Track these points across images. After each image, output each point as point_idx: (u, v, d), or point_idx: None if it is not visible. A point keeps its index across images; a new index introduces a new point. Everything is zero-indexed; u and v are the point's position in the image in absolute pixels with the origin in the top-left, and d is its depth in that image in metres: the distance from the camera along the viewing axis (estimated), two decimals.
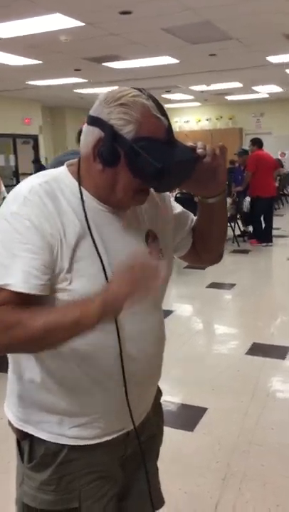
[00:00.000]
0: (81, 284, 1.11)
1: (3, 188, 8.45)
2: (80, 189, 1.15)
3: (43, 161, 13.83)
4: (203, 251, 1.41)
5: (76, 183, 1.17)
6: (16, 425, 1.27)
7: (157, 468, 1.47)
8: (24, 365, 1.21)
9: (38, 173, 1.22)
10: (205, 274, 6.25)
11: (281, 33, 6.68)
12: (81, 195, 1.15)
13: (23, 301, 1.07)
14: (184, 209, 1.42)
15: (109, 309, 1.02)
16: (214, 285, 5.90)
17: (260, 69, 9.35)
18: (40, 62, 7.90)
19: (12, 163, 13.05)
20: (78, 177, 1.17)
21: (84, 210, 1.14)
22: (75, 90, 11.37)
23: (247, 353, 3.95)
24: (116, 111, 1.09)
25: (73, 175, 1.18)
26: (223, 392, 3.37)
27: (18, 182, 12.88)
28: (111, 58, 7.92)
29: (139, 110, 1.09)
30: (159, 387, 1.43)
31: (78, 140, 1.35)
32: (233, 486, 2.41)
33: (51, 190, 1.13)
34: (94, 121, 1.13)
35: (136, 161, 1.09)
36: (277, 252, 7.84)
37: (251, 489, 2.39)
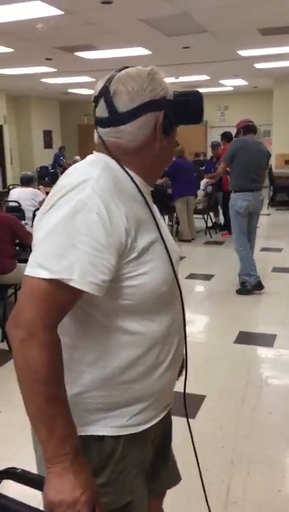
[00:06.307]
0: (153, 266, 1.13)
1: None
2: (128, 174, 1.15)
3: (7, 152, 13.55)
4: None
5: (122, 171, 1.15)
6: None
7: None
8: (81, 369, 1.15)
9: (84, 162, 1.19)
10: (182, 265, 6.29)
11: (256, 27, 6.78)
12: (134, 182, 1.15)
13: (75, 298, 1.04)
14: None
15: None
16: (193, 276, 5.97)
17: (230, 62, 9.46)
18: (12, 50, 7.74)
19: None
20: (121, 165, 1.15)
21: (142, 196, 1.16)
22: (42, 80, 11.18)
23: (235, 342, 4.04)
24: (153, 85, 1.16)
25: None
26: (218, 380, 3.44)
27: None
28: (84, 48, 7.84)
29: (159, 75, 1.19)
30: None
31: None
32: (241, 469, 2.48)
33: (114, 179, 1.11)
34: (141, 109, 1.14)
35: (185, 110, 1.22)
36: None
37: (259, 471, 2.46)
